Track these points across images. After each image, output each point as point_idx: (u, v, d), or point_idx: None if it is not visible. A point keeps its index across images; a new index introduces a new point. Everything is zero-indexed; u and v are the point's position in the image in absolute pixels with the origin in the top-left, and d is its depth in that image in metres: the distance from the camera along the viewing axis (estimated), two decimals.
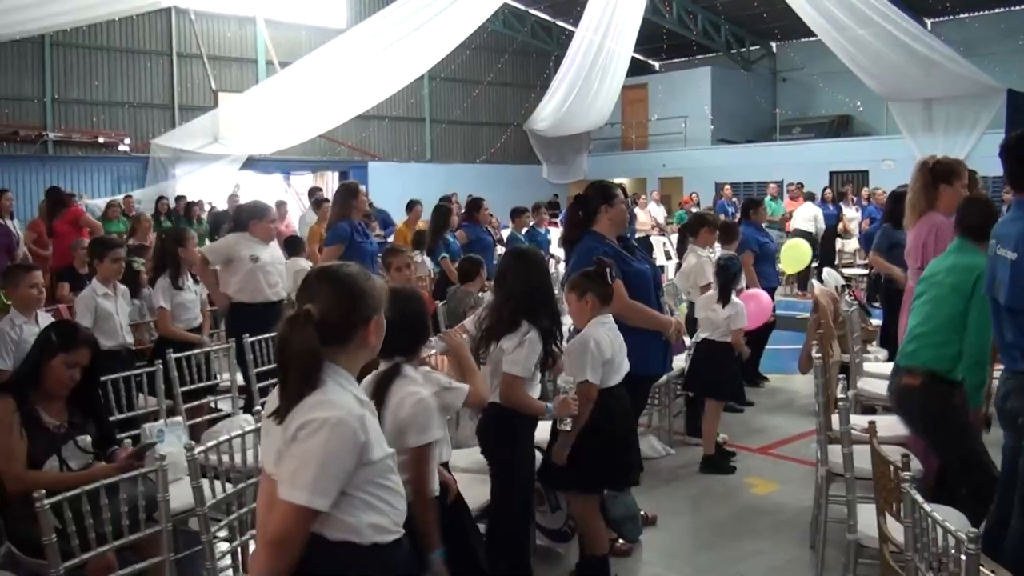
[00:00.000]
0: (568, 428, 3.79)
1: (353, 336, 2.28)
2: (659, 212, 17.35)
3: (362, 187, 7.28)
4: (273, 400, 2.28)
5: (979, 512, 3.74)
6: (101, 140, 19.15)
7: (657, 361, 4.63)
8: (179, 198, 14.88)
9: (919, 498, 2.57)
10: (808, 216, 14.83)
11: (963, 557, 2.27)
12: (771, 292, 7.84)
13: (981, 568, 2.28)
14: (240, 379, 5.75)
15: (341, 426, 2.14)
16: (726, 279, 6.11)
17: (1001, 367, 3.77)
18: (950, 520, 2.41)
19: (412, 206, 11.18)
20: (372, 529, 2.23)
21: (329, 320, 2.22)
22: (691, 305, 6.73)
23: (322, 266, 2.45)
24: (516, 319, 3.68)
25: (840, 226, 15.13)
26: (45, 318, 5.06)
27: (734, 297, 6.13)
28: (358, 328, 2.29)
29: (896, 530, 2.93)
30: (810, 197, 15.45)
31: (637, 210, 17.03)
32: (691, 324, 6.45)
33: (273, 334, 4.62)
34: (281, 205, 12.80)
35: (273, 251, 6.60)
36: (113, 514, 3.04)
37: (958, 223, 4.29)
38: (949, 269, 4.12)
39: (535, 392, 3.78)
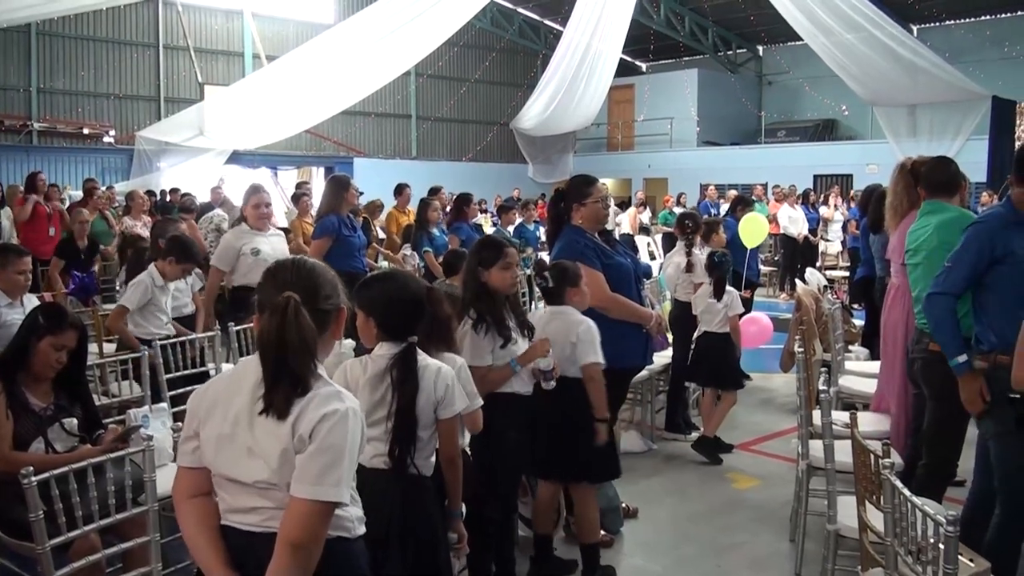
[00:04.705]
0: (552, 385, 3.84)
1: (328, 326, 2.22)
2: (644, 216, 17.34)
3: (353, 181, 7.18)
4: (244, 398, 2.13)
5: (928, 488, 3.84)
6: (86, 131, 19.10)
7: (637, 354, 4.64)
8: (173, 190, 14.85)
9: (899, 485, 2.61)
10: (783, 217, 14.60)
11: (941, 545, 2.31)
12: (752, 288, 7.87)
13: (959, 555, 2.32)
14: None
15: (357, 415, 2.11)
16: (720, 274, 6.25)
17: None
18: (928, 508, 2.45)
19: (401, 189, 10.89)
20: (357, 522, 2.22)
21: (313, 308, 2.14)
22: (676, 303, 6.77)
23: (286, 260, 2.31)
24: (461, 315, 3.77)
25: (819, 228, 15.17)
26: (31, 301, 5.02)
27: (727, 286, 6.31)
28: (332, 317, 2.23)
29: (876, 519, 2.97)
30: (783, 198, 15.24)
31: (623, 216, 17.05)
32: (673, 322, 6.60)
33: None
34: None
35: (275, 243, 6.44)
36: (100, 495, 3.05)
37: (927, 184, 4.40)
38: (936, 227, 4.19)
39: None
